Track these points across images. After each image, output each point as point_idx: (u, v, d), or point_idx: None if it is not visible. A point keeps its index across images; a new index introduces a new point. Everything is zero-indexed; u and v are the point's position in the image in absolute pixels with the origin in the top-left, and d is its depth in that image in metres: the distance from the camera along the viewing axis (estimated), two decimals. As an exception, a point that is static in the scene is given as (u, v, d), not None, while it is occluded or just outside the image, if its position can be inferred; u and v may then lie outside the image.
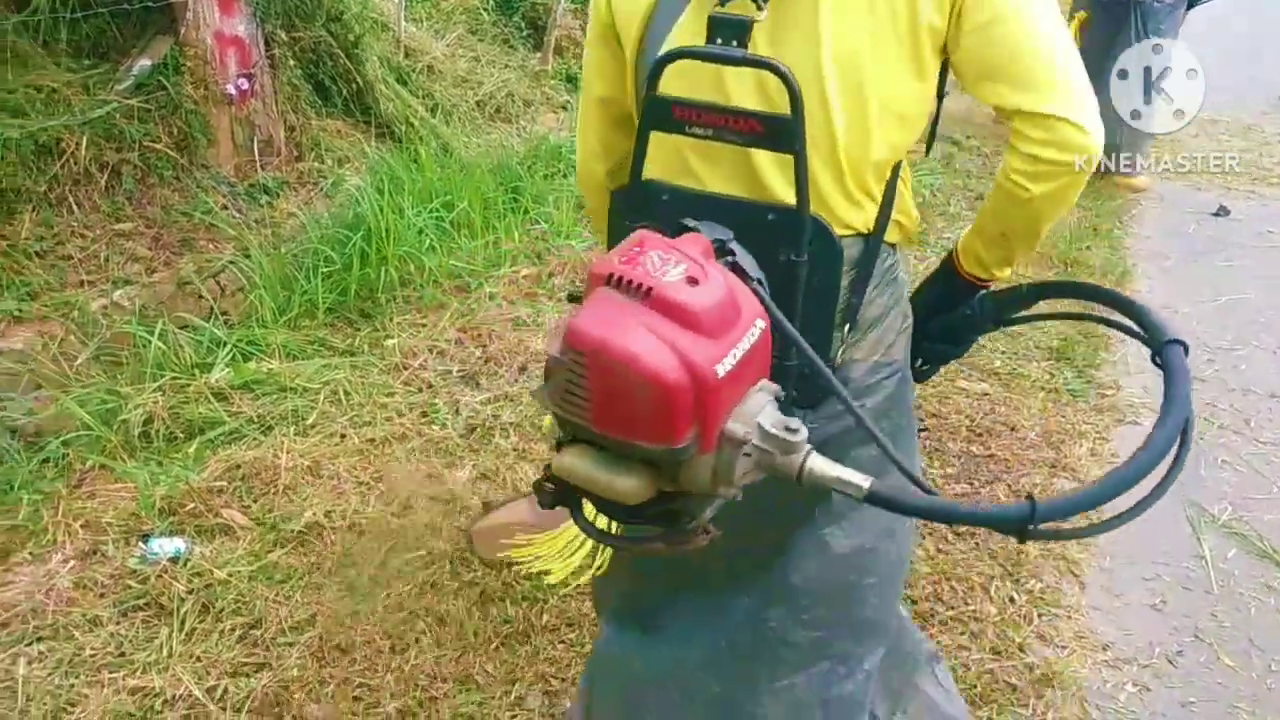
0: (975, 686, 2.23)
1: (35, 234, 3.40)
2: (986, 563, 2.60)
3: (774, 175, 1.18)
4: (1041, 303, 1.41)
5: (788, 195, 1.16)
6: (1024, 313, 1.42)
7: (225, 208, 3.85)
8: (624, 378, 0.90)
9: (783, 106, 1.09)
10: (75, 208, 3.55)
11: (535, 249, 4.19)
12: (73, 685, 2.09)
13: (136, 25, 3.88)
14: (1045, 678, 2.27)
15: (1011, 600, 2.50)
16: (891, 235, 1.29)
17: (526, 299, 3.82)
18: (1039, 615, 2.46)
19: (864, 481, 0.95)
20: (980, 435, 3.11)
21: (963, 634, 2.39)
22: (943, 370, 1.23)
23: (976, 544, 2.65)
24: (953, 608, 2.45)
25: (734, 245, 1.08)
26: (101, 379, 3.00)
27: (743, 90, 1.16)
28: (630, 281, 0.93)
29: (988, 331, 1.45)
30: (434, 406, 3.10)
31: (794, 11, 1.12)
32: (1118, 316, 1.29)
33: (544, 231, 4.32)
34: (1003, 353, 3.59)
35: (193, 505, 2.57)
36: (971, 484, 2.89)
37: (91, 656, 2.15)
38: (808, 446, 0.96)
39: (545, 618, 2.34)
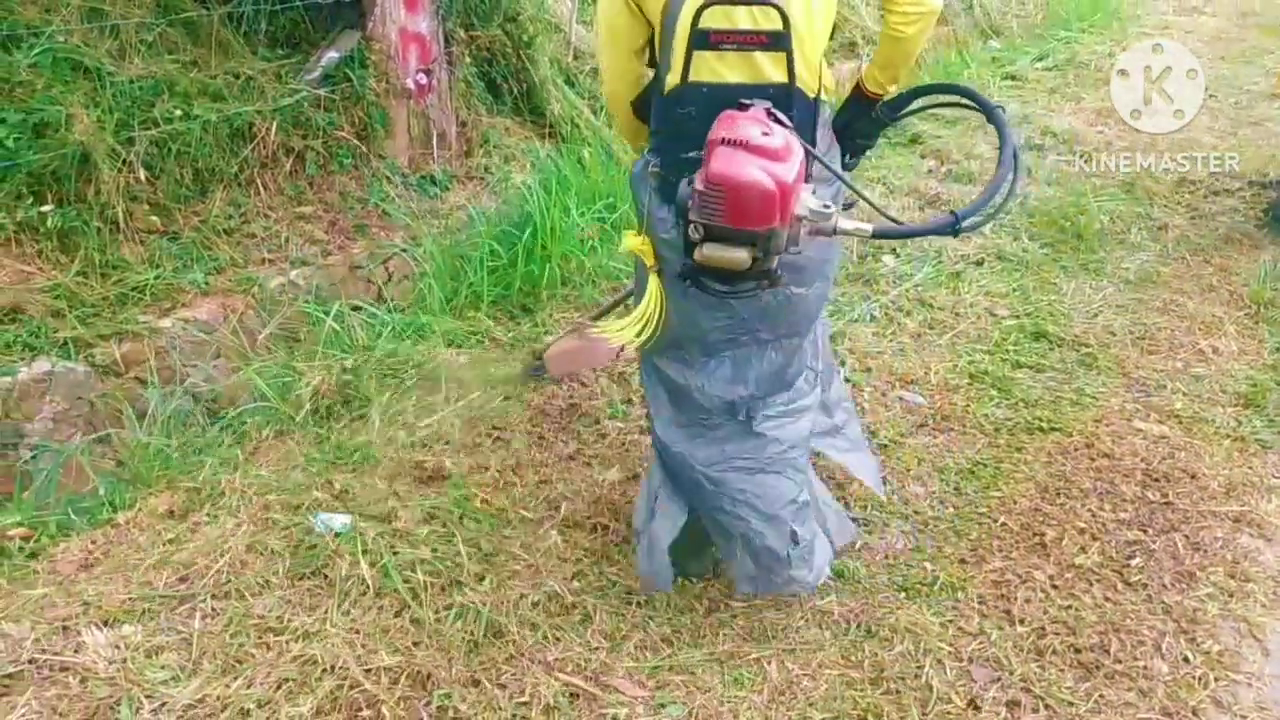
0: (1143, 749, 2.09)
1: (225, 212, 3.60)
2: (1159, 617, 2.43)
3: (769, 66, 1.94)
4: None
5: (778, 77, 1.94)
6: (908, 109, 2.28)
7: (399, 197, 3.99)
8: (747, 192, 1.70)
9: (769, 25, 1.88)
10: (261, 189, 3.75)
11: (691, 255, 4.18)
12: (241, 645, 2.18)
13: (327, 19, 4.07)
14: (1221, 748, 2.11)
15: (1186, 660, 2.33)
16: (825, 97, 2.09)
17: (681, 304, 3.81)
18: (1215, 679, 2.28)
19: (868, 226, 1.86)
20: (1157, 480, 2.92)
21: (1130, 690, 2.24)
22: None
23: (1149, 596, 2.49)
24: (1120, 661, 2.31)
25: (775, 110, 1.83)
26: (281, 353, 3.14)
27: (739, 18, 1.89)
28: (733, 140, 1.72)
29: (887, 127, 2.30)
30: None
31: None
32: (963, 101, 2.24)
33: (700, 238, 4.31)
34: (1184, 394, 3.36)
35: (361, 483, 2.65)
36: (1145, 531, 2.71)
37: (260, 619, 2.24)
38: (835, 214, 1.80)
39: (685, 619, 2.35)
